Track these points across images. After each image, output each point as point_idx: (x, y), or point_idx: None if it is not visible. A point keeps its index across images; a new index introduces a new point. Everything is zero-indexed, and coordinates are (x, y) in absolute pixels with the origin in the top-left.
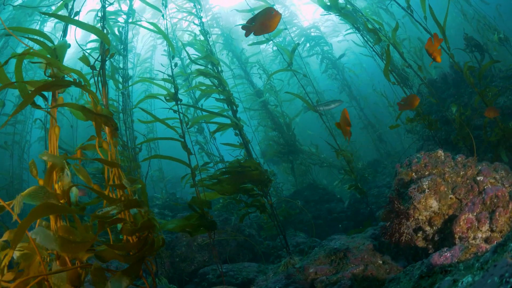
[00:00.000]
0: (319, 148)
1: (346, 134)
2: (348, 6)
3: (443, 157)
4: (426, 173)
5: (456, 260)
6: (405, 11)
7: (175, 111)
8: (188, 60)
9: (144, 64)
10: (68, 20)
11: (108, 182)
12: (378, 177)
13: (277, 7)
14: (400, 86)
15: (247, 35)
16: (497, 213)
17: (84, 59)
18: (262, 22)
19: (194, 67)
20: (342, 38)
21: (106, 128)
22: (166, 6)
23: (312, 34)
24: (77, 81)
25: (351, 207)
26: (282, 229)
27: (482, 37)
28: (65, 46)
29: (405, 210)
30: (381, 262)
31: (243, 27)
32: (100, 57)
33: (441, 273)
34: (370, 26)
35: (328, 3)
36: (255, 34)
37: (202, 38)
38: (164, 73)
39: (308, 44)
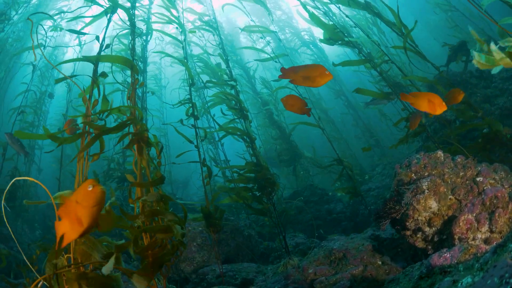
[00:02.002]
0: (318, 152)
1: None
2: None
3: (442, 158)
4: (426, 174)
5: (455, 261)
6: (398, 35)
7: (193, 126)
8: (199, 69)
9: (153, 70)
10: (103, 58)
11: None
12: (377, 178)
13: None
14: (396, 95)
15: (281, 77)
16: (497, 214)
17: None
18: (310, 77)
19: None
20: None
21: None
22: (185, 40)
23: (306, 38)
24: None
25: (350, 208)
26: (282, 230)
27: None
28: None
29: (401, 210)
30: (380, 262)
31: (281, 76)
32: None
33: (440, 274)
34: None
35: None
36: (293, 83)
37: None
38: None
39: (301, 48)
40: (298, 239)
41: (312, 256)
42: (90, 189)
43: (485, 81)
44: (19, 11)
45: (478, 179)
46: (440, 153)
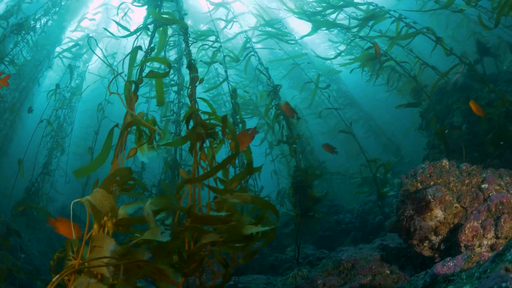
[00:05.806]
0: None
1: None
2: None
3: (447, 167)
4: (431, 183)
5: (458, 269)
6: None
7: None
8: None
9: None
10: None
11: None
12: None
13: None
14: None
15: None
16: (502, 220)
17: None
18: None
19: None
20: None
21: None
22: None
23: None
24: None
25: (359, 218)
26: (298, 240)
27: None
28: None
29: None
30: (388, 272)
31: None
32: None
33: (444, 283)
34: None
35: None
36: None
37: None
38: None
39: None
40: (307, 250)
41: (321, 267)
42: None
43: (490, 86)
44: (41, 23)
45: (483, 186)
46: (445, 162)
